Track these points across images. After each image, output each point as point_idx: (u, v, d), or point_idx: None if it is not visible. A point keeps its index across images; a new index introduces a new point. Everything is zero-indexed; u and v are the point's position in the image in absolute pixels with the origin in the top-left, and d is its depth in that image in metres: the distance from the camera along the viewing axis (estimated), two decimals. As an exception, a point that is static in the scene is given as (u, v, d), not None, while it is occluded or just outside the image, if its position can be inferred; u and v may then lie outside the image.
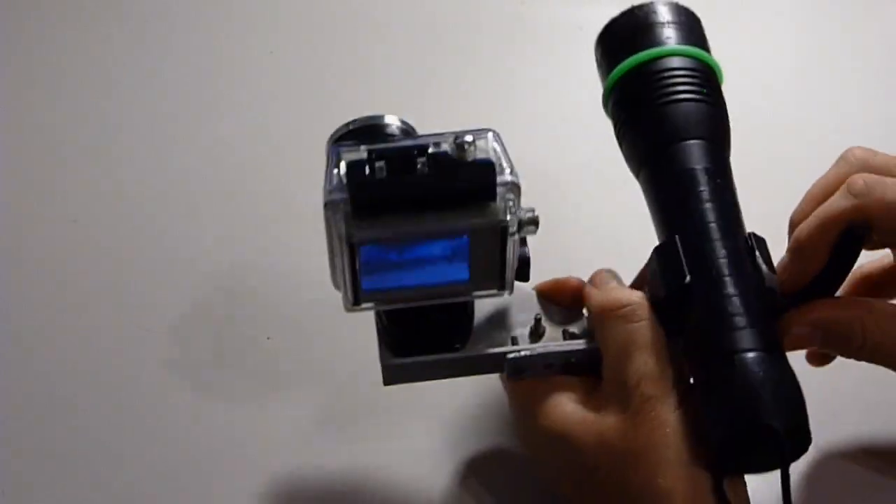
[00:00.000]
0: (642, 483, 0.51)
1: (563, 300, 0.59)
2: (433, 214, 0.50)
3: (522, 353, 0.57)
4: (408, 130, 0.56)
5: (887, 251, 0.59)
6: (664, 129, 0.58)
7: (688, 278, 0.54)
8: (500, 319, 0.58)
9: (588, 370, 0.57)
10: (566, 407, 0.55)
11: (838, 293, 0.57)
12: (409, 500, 0.62)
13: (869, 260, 0.60)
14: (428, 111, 0.81)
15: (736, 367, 0.51)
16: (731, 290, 0.53)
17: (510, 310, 0.59)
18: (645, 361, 0.54)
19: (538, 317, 0.58)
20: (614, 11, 0.62)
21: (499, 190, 0.51)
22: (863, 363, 0.56)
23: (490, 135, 0.52)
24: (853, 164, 0.56)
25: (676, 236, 0.55)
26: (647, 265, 0.57)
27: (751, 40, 0.89)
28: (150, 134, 0.83)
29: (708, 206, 0.55)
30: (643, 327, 0.54)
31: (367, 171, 0.50)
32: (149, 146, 0.82)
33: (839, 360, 0.57)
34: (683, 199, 0.56)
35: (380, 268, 0.53)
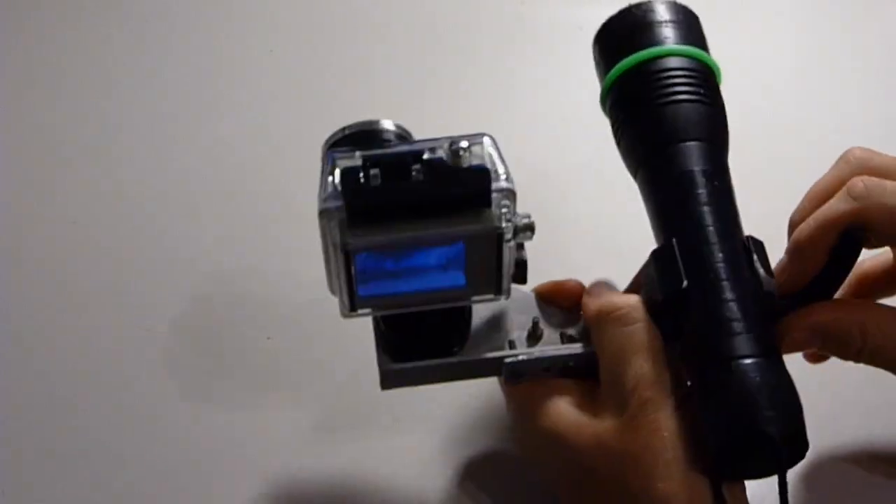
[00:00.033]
0: (640, 487, 0.51)
1: (561, 302, 0.59)
2: (428, 221, 0.50)
3: (520, 357, 0.57)
4: (403, 135, 0.55)
5: (886, 248, 0.59)
6: (662, 129, 0.58)
7: (685, 283, 0.54)
8: (497, 322, 0.58)
9: (586, 374, 0.57)
10: (564, 410, 0.55)
11: (838, 293, 0.57)
12: (407, 501, 0.62)
13: (868, 256, 0.60)
14: (428, 111, 0.82)
15: (733, 372, 0.51)
16: (728, 294, 0.53)
17: (508, 312, 0.59)
18: (641, 364, 0.53)
19: (536, 320, 0.58)
20: (614, 11, 0.62)
21: (494, 196, 0.50)
22: (861, 365, 0.56)
23: (486, 140, 0.52)
24: (853, 166, 0.56)
25: (674, 240, 0.55)
26: (642, 269, 0.57)
27: (751, 40, 0.88)
28: (150, 134, 0.83)
29: (705, 208, 0.55)
30: (639, 330, 0.54)
31: (362, 178, 0.50)
32: (149, 146, 0.82)
33: (838, 362, 0.57)
34: (681, 202, 0.56)
35: (376, 276, 0.53)
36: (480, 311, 0.58)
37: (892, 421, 0.64)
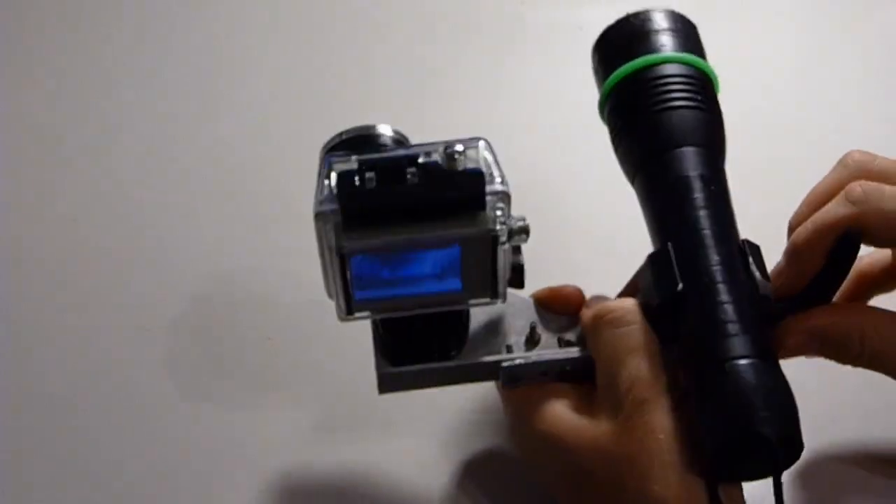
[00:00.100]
0: (637, 489, 0.51)
1: (559, 308, 0.59)
2: (423, 224, 0.50)
3: (517, 361, 0.57)
4: (400, 140, 0.56)
5: None
6: (659, 135, 0.58)
7: (680, 286, 0.54)
8: (495, 327, 0.58)
9: (583, 378, 0.57)
10: (561, 413, 0.55)
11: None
12: (407, 501, 0.62)
13: (867, 253, 0.60)
14: (427, 112, 0.82)
15: (728, 373, 0.51)
16: (724, 297, 0.53)
17: (506, 317, 0.59)
18: (636, 366, 0.53)
19: (533, 324, 0.58)
20: (614, 12, 0.62)
21: (489, 199, 0.51)
22: (858, 368, 0.56)
23: (481, 143, 0.52)
24: (852, 169, 0.56)
25: (669, 243, 0.55)
26: (638, 273, 0.57)
27: (750, 40, 0.88)
28: (150, 134, 0.83)
29: (702, 213, 0.55)
30: (635, 331, 0.54)
31: (357, 181, 0.50)
32: (149, 146, 0.82)
33: (835, 364, 0.57)
34: (677, 206, 0.56)
35: (372, 283, 0.53)
36: (478, 315, 0.58)
37: (889, 422, 0.64)
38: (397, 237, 0.51)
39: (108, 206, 0.78)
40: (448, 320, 0.57)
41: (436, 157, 0.51)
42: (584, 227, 0.75)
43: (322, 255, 0.52)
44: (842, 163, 0.57)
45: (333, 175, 0.51)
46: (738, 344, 0.51)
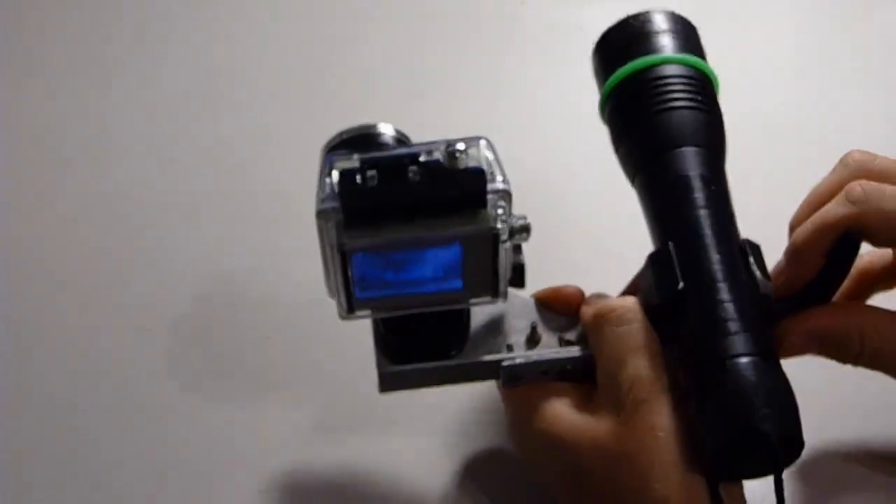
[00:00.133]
0: (637, 488, 0.51)
1: (560, 308, 0.59)
2: (424, 222, 0.50)
3: (518, 360, 0.57)
4: (401, 139, 0.56)
5: None
6: (659, 136, 0.58)
7: (681, 285, 0.54)
8: (496, 326, 0.59)
9: (584, 377, 0.57)
10: (561, 412, 0.55)
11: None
12: (407, 501, 0.62)
13: (868, 250, 0.59)
14: (428, 112, 0.82)
15: (728, 371, 0.51)
16: (724, 296, 0.53)
17: (507, 317, 0.59)
18: (637, 364, 0.53)
19: (534, 324, 0.58)
20: (615, 12, 0.62)
21: (490, 198, 0.51)
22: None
23: (482, 142, 0.52)
24: (852, 169, 0.56)
25: (670, 243, 0.55)
26: (639, 273, 0.57)
27: (750, 41, 0.88)
28: (149, 134, 0.83)
29: (702, 212, 0.55)
30: (636, 330, 0.54)
31: (359, 179, 0.50)
32: (149, 146, 0.82)
33: (836, 364, 0.57)
34: (677, 206, 0.56)
35: (374, 284, 0.53)
36: (479, 315, 0.59)
37: (889, 421, 0.64)
38: (398, 235, 0.51)
39: (108, 206, 0.78)
40: (449, 319, 0.57)
41: (437, 155, 0.51)
42: (583, 227, 0.75)
43: (323, 253, 0.52)
44: (842, 162, 0.57)
45: (335, 173, 0.51)
46: (738, 342, 0.52)
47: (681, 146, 0.57)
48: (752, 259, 0.55)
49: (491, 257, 0.53)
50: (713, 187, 0.56)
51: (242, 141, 0.82)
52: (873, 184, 0.54)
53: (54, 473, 0.64)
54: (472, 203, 0.51)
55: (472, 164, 0.51)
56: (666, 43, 0.60)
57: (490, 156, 0.52)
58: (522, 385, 0.58)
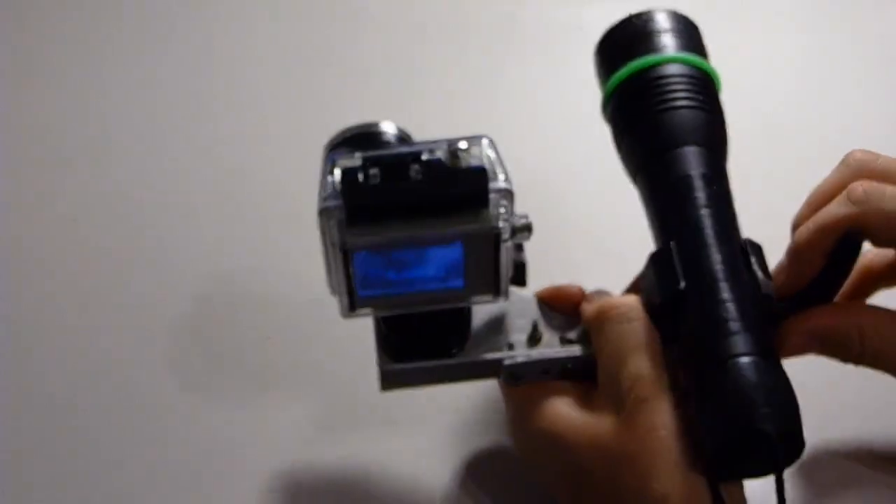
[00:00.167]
0: (637, 487, 0.51)
1: (562, 307, 0.59)
2: (426, 221, 0.51)
3: (519, 359, 0.57)
4: (404, 137, 0.56)
5: None
6: (660, 135, 0.58)
7: (682, 284, 0.54)
8: (497, 325, 0.58)
9: (584, 376, 0.57)
10: (561, 411, 0.55)
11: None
12: (407, 501, 0.62)
13: (871, 248, 0.60)
14: (427, 112, 0.82)
15: (729, 371, 0.51)
16: (725, 295, 0.53)
17: (508, 315, 0.59)
18: (639, 363, 0.53)
19: (535, 322, 0.58)
20: (615, 12, 0.62)
21: (492, 197, 0.51)
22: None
23: (484, 141, 0.52)
24: (854, 169, 0.56)
25: (671, 242, 0.55)
26: (641, 273, 0.57)
27: (752, 41, 0.88)
28: (149, 133, 0.83)
29: (704, 212, 0.55)
30: (637, 328, 0.54)
31: (361, 177, 0.50)
32: (149, 146, 0.82)
33: (836, 364, 0.57)
34: (679, 205, 0.56)
35: (376, 282, 0.53)
36: (481, 313, 0.59)
37: (890, 421, 0.64)
38: (400, 233, 0.51)
39: (108, 206, 0.78)
40: (450, 317, 0.57)
41: (439, 154, 0.51)
42: (583, 227, 0.75)
43: (325, 251, 0.52)
44: (844, 162, 0.57)
45: (337, 171, 0.51)
46: (739, 342, 0.51)
47: (682, 145, 0.57)
48: (753, 259, 0.55)
49: (492, 256, 0.53)
50: (715, 187, 0.56)
51: (242, 140, 0.82)
52: (875, 184, 0.54)
53: (54, 473, 0.64)
54: (474, 202, 0.51)
55: (474, 162, 0.51)
56: (668, 42, 0.60)
57: (492, 154, 0.52)
58: (523, 384, 0.57)
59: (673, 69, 0.59)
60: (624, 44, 0.61)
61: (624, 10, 0.62)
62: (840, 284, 0.56)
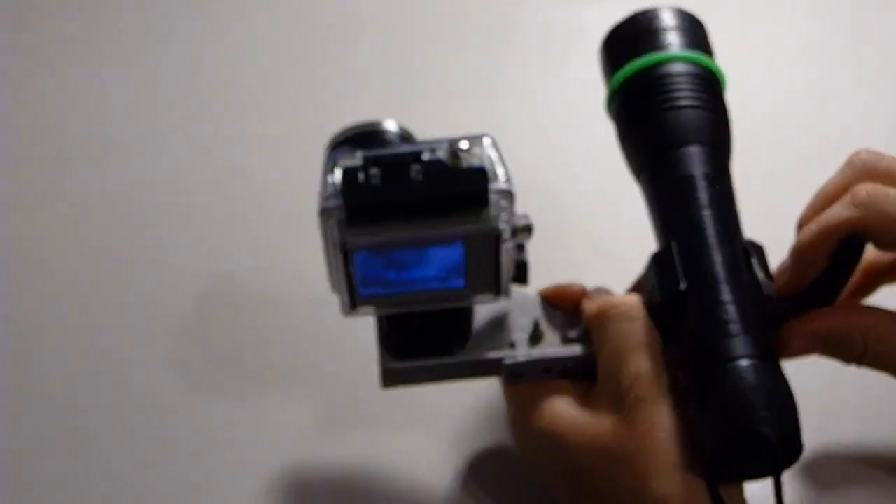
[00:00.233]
0: (635, 487, 0.51)
1: (564, 306, 0.59)
2: (427, 221, 0.51)
3: (520, 358, 0.57)
4: (406, 136, 0.56)
5: None
6: (664, 134, 0.58)
7: (683, 285, 0.54)
8: (499, 323, 0.59)
9: (585, 376, 0.57)
10: (561, 410, 0.55)
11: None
12: (407, 500, 0.62)
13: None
14: (427, 112, 0.82)
15: (728, 373, 0.51)
16: (726, 297, 0.53)
17: (510, 314, 0.59)
18: (639, 362, 0.53)
19: (537, 321, 0.58)
20: (615, 12, 0.62)
21: (492, 197, 0.51)
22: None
23: (485, 140, 0.52)
24: (858, 169, 0.56)
25: (673, 243, 0.55)
26: (643, 274, 0.57)
27: (758, 39, 0.88)
28: (150, 133, 0.83)
29: (706, 212, 0.55)
30: (638, 327, 0.54)
31: (362, 177, 0.50)
32: (149, 146, 0.82)
33: (836, 363, 0.57)
34: (681, 205, 0.56)
35: (377, 281, 0.53)
36: (482, 311, 0.59)
37: (889, 422, 0.64)
38: (401, 234, 0.51)
39: (108, 206, 0.78)
40: (451, 316, 0.57)
41: (440, 153, 0.51)
42: (583, 227, 0.75)
43: (326, 251, 0.52)
44: (849, 162, 0.57)
45: (338, 171, 0.51)
46: (739, 344, 0.51)
47: (686, 145, 0.57)
48: (754, 259, 0.55)
49: (493, 256, 0.53)
50: (717, 187, 0.56)
51: (242, 141, 0.82)
52: (879, 187, 0.54)
53: (54, 473, 0.64)
54: (475, 202, 0.51)
55: (474, 162, 0.51)
56: (673, 40, 0.60)
57: (493, 154, 0.52)
58: (524, 383, 0.58)
59: (678, 68, 0.59)
60: (629, 41, 0.61)
61: (624, 10, 0.62)
62: (842, 286, 0.56)
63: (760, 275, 0.54)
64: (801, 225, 0.56)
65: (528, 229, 0.52)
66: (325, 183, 0.51)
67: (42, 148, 0.82)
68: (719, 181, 0.57)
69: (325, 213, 0.50)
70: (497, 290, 0.55)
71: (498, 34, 0.90)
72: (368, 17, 0.92)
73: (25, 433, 0.66)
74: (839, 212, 0.54)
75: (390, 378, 0.58)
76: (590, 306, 0.57)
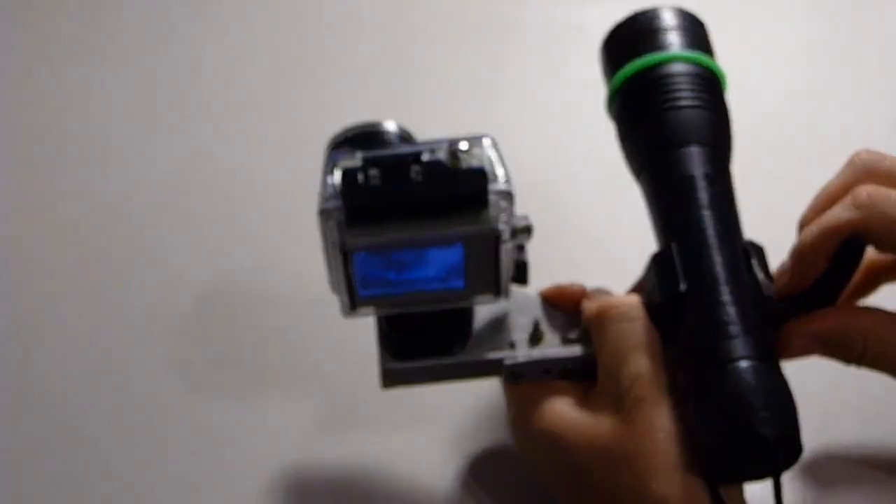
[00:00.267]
0: (635, 487, 0.51)
1: (564, 306, 0.59)
2: (426, 222, 0.51)
3: (520, 358, 0.57)
4: (405, 137, 0.56)
5: None
6: (664, 134, 0.58)
7: (683, 286, 0.54)
8: (500, 324, 0.59)
9: (585, 376, 0.57)
10: (560, 409, 0.55)
11: None
12: (408, 499, 0.62)
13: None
14: (427, 113, 0.82)
15: (728, 374, 0.51)
16: (725, 297, 0.53)
17: (511, 314, 0.59)
18: (638, 362, 0.53)
19: (537, 322, 0.58)
20: (615, 12, 0.62)
21: (491, 198, 0.51)
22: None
23: (485, 141, 0.52)
24: (860, 169, 0.56)
25: (673, 244, 0.55)
26: (644, 275, 0.57)
27: (759, 39, 0.88)
28: (150, 134, 0.83)
29: (706, 212, 0.55)
30: (637, 327, 0.54)
31: (361, 178, 0.50)
32: (149, 146, 0.82)
33: (836, 363, 0.57)
34: (681, 205, 0.56)
35: (377, 282, 0.53)
36: (483, 311, 0.59)
37: (889, 423, 0.64)
38: (400, 234, 0.51)
39: (109, 206, 0.78)
40: (451, 316, 0.57)
41: (440, 154, 0.51)
42: (583, 227, 0.75)
43: (326, 251, 0.52)
44: (849, 163, 0.57)
45: (337, 172, 0.51)
46: (738, 345, 0.51)
47: (686, 145, 0.57)
48: (754, 260, 0.55)
49: (493, 257, 0.53)
50: (717, 187, 0.56)
51: (242, 141, 0.82)
52: (881, 189, 0.54)
53: (54, 473, 0.64)
54: (474, 203, 0.51)
55: (474, 163, 0.51)
56: (673, 40, 0.60)
57: (493, 155, 0.52)
58: (524, 383, 0.58)
59: (678, 68, 0.59)
60: (629, 41, 0.61)
61: (624, 10, 0.62)
62: (843, 287, 0.56)
63: (760, 275, 0.54)
64: (802, 226, 0.56)
65: (527, 230, 0.52)
66: (324, 184, 0.51)
67: (42, 148, 0.82)
68: (719, 181, 0.57)
69: (324, 213, 0.50)
70: (497, 290, 0.55)
71: (498, 34, 0.90)
72: (368, 17, 0.92)
73: (25, 433, 0.66)
74: (840, 213, 0.54)
75: (390, 378, 0.58)
76: (590, 306, 0.57)
